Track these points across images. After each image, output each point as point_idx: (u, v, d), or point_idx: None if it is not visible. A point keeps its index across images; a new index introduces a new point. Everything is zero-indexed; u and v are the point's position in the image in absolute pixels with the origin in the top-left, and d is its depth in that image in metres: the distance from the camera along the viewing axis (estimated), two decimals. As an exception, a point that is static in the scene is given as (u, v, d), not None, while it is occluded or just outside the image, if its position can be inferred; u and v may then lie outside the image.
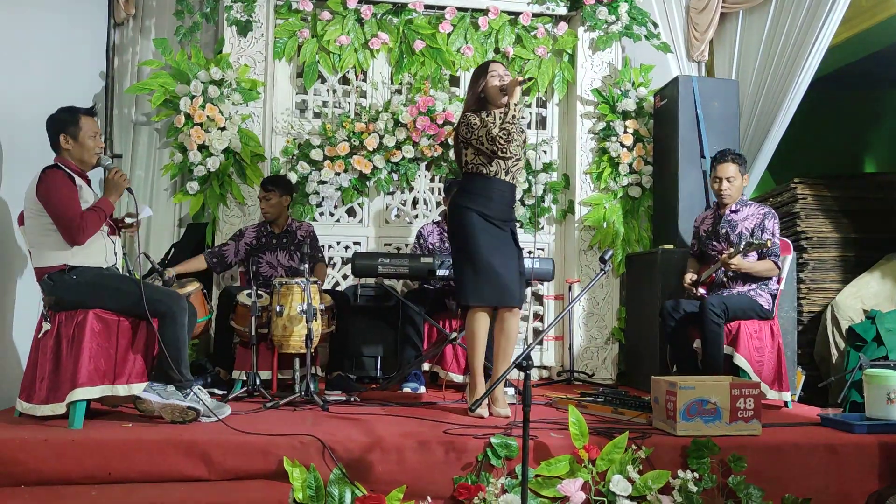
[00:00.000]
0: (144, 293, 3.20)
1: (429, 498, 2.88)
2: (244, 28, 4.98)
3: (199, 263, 4.45)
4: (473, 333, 3.61)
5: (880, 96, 6.82)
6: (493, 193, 3.59)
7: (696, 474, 2.94)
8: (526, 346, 3.01)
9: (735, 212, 4.16)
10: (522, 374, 2.59)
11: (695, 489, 2.90)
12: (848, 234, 5.80)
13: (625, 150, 5.23)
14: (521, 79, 3.51)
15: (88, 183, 3.45)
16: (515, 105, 3.49)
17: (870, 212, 5.85)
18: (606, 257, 3.25)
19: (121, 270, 3.54)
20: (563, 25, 5.39)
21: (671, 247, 4.77)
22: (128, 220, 3.58)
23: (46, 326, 3.24)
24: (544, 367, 5.39)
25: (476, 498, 2.85)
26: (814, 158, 6.56)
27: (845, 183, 5.91)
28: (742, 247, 3.87)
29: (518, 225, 4.56)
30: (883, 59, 5.48)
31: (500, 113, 3.59)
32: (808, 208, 5.83)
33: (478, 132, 3.53)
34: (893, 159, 6.84)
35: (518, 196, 5.09)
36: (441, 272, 4.35)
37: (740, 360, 3.92)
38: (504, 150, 3.48)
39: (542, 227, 5.42)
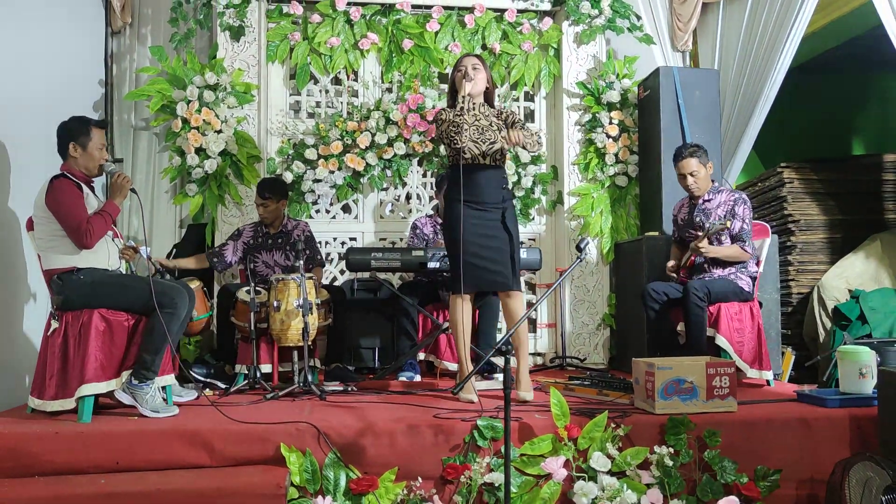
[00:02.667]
0: (153, 287, 3.37)
1: (419, 478, 3.04)
2: (237, 33, 5.13)
3: (200, 262, 4.61)
4: (453, 320, 3.78)
5: (865, 80, 6.93)
6: (475, 178, 3.70)
7: (672, 449, 3.10)
8: (505, 332, 3.15)
9: (708, 200, 4.28)
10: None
11: (671, 463, 3.05)
12: (835, 216, 5.94)
13: (611, 140, 5.37)
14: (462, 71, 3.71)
15: (92, 189, 3.61)
16: (463, 97, 3.66)
17: (856, 194, 5.98)
18: (582, 245, 3.38)
19: (124, 269, 3.71)
20: (548, 20, 5.52)
21: (656, 234, 4.91)
22: (129, 245, 3.76)
23: (55, 325, 3.41)
24: (538, 354, 5.54)
25: (463, 476, 3.02)
26: (802, 142, 6.68)
27: (831, 166, 6.03)
28: (708, 231, 4.01)
29: None
30: (863, 43, 5.59)
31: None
32: (794, 192, 5.96)
33: (442, 127, 3.73)
34: (879, 141, 6.95)
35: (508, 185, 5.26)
36: (432, 264, 4.49)
37: (721, 341, 4.06)
38: (454, 140, 3.65)
39: (533, 218, 5.57)
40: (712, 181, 4.32)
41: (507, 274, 3.71)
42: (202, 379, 4.26)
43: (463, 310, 3.74)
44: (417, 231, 4.93)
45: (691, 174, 4.23)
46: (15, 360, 3.87)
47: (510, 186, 5.36)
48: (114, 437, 3.04)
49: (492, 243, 3.71)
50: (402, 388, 4.16)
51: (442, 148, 5.26)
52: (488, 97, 3.84)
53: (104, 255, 3.53)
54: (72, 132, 3.51)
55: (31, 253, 3.68)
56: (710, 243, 4.10)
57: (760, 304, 4.29)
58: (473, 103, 3.75)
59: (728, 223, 3.98)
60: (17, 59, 3.99)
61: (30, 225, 3.58)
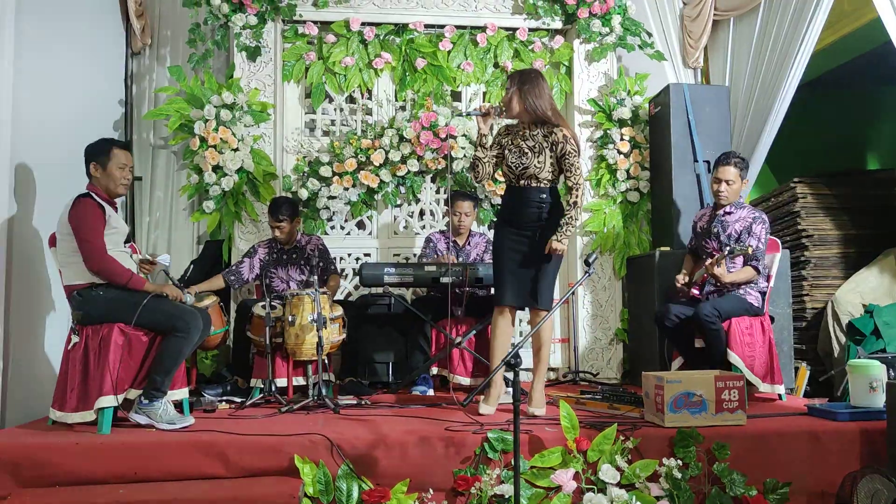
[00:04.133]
0: (165, 309, 3.45)
1: (430, 490, 3.09)
2: (253, 53, 5.25)
3: (217, 282, 4.69)
4: (492, 331, 3.89)
5: (878, 95, 6.94)
6: (509, 201, 3.91)
7: (681, 462, 3.12)
8: (513, 346, 3.20)
9: (729, 213, 4.30)
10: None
11: (680, 476, 3.08)
12: (848, 230, 5.93)
13: (622, 156, 5.42)
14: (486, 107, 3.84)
15: (116, 209, 3.71)
16: (484, 135, 3.85)
17: (870, 208, 5.97)
18: (591, 260, 3.42)
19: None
20: (559, 39, 5.59)
21: (668, 248, 4.94)
22: (147, 258, 3.84)
23: (75, 339, 3.50)
24: (551, 369, 5.56)
25: (473, 488, 3.07)
26: (815, 157, 6.69)
27: (844, 180, 6.04)
28: (726, 255, 4.03)
29: None
30: (874, 59, 5.62)
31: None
32: (808, 207, 5.97)
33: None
34: (893, 156, 6.95)
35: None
36: (444, 280, 4.55)
37: (733, 357, 4.06)
38: (477, 174, 3.87)
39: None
40: (739, 197, 4.34)
41: (530, 292, 3.79)
42: (216, 398, 4.29)
43: (498, 324, 3.84)
44: (431, 245, 5.00)
45: (727, 181, 4.24)
46: (37, 373, 3.96)
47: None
48: (132, 449, 3.12)
49: (523, 263, 3.80)
50: (415, 402, 4.20)
51: (454, 165, 5.35)
52: (534, 115, 3.79)
53: (123, 272, 3.62)
54: (93, 153, 3.63)
55: (54, 269, 3.78)
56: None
57: (772, 318, 4.30)
58: (522, 123, 3.84)
59: (749, 249, 4.00)
60: (43, 81, 4.10)
61: (52, 241, 3.68)
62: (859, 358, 4.63)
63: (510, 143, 3.85)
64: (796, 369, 5.15)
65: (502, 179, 4.15)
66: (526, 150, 3.78)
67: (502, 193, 4.11)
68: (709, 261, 4.11)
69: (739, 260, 4.18)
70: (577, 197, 3.74)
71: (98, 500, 2.89)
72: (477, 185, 4.65)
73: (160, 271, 3.92)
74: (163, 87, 5.37)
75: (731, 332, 4.09)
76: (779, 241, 4.49)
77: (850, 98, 6.91)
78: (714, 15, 5.63)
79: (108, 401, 3.36)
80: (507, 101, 3.79)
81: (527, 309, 4.00)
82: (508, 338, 3.88)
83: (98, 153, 3.62)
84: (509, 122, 3.97)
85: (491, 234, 5.01)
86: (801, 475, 3.21)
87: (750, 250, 4.00)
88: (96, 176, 3.62)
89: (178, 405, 3.62)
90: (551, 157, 3.75)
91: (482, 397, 3.83)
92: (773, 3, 5.11)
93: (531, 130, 3.81)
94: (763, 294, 4.23)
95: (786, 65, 4.93)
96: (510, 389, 4.41)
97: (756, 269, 4.14)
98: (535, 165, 3.75)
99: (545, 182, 3.80)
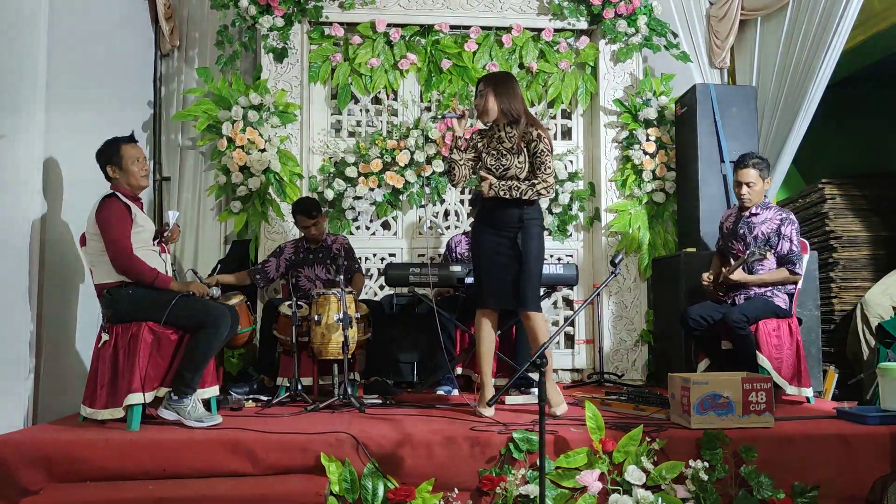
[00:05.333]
0: (194, 307, 3.49)
1: (455, 489, 3.10)
2: (280, 55, 5.29)
3: (242, 279, 4.74)
4: (476, 334, 3.89)
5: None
6: (488, 203, 3.82)
7: (707, 464, 3.10)
8: (540, 346, 3.20)
9: (755, 214, 4.26)
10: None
11: (706, 478, 3.06)
12: (878, 232, 5.85)
13: (647, 157, 5.39)
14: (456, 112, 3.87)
15: (141, 207, 3.76)
16: (459, 137, 3.85)
17: (899, 209, 5.89)
18: (616, 261, 3.40)
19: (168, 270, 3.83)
20: (585, 39, 5.58)
21: (694, 250, 4.91)
22: (167, 230, 3.89)
23: (105, 337, 3.55)
24: (576, 370, 5.56)
25: (498, 488, 3.07)
26: (844, 158, 6.60)
27: (874, 181, 5.95)
28: (745, 260, 4.00)
29: (546, 233, 4.73)
30: (906, 58, 5.55)
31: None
32: (836, 208, 5.90)
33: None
34: (924, 157, 6.84)
35: (545, 205, 5.33)
36: (469, 280, 4.56)
37: (761, 359, 4.03)
38: (453, 177, 3.86)
39: (570, 235, 5.60)
40: (765, 196, 4.31)
41: (512, 294, 3.75)
42: (243, 397, 4.31)
43: (482, 327, 3.84)
44: (449, 251, 5.01)
45: (747, 184, 4.21)
46: (69, 371, 4.02)
47: (548, 204, 5.42)
48: (161, 445, 3.15)
49: (504, 265, 3.76)
50: (441, 402, 4.21)
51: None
52: (510, 117, 3.77)
53: (151, 271, 3.67)
54: (105, 156, 3.68)
55: (85, 268, 3.83)
56: (749, 271, 4.10)
57: (800, 320, 4.26)
58: (497, 126, 3.82)
59: (768, 254, 3.97)
60: (73, 81, 4.17)
61: (83, 241, 3.74)
62: (889, 361, 4.57)
63: (486, 145, 3.82)
64: (824, 372, 5.09)
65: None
66: (504, 152, 3.76)
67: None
68: (724, 269, 4.09)
69: (768, 265, 4.13)
70: (540, 186, 3.68)
71: (128, 496, 2.93)
72: (453, 187, 4.62)
73: (188, 270, 3.97)
74: (191, 89, 5.43)
75: (759, 333, 4.06)
76: (807, 243, 4.45)
77: (880, 98, 6.80)
78: (741, 14, 5.59)
79: (137, 398, 3.41)
80: (482, 103, 3.76)
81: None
82: (492, 341, 3.89)
83: (109, 155, 3.67)
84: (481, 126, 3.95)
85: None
86: (829, 479, 3.17)
87: (769, 255, 3.97)
88: (115, 177, 3.68)
89: (206, 403, 3.66)
90: (529, 156, 3.74)
91: (476, 401, 3.86)
92: (801, 3, 5.06)
93: (507, 132, 3.79)
94: (791, 296, 4.19)
95: (814, 64, 4.88)
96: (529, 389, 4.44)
97: (794, 272, 4.09)
98: (515, 166, 3.73)
99: (525, 183, 3.76)
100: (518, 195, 3.67)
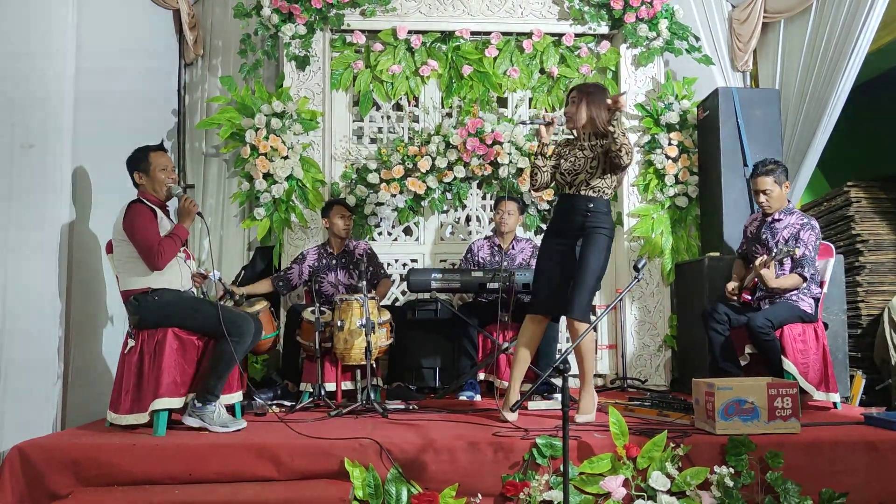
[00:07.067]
0: (221, 315, 3.52)
1: (479, 495, 3.10)
2: (302, 62, 5.34)
3: (265, 286, 4.78)
4: (518, 338, 3.87)
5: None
6: (557, 209, 3.90)
7: (733, 470, 3.08)
8: (562, 352, 3.19)
9: (778, 220, 4.23)
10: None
11: (732, 484, 3.04)
12: (905, 235, 5.79)
13: (670, 161, 5.37)
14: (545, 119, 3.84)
15: (167, 213, 3.81)
16: (545, 144, 3.81)
17: (927, 212, 5.82)
18: (639, 266, 3.39)
19: (195, 293, 3.88)
20: (606, 44, 5.58)
21: (717, 254, 4.87)
22: (199, 272, 3.94)
23: (131, 343, 3.59)
24: (599, 376, 5.53)
25: (522, 494, 3.06)
26: (870, 160, 6.53)
27: (900, 184, 5.90)
28: (775, 256, 3.97)
29: None
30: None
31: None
32: (862, 211, 5.85)
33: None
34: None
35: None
36: (491, 285, 4.55)
37: (787, 364, 3.98)
38: (535, 182, 3.84)
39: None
40: (788, 201, 4.27)
41: (562, 302, 3.72)
42: (267, 402, 4.33)
43: (525, 331, 3.82)
44: (470, 256, 5.02)
45: (764, 192, 4.19)
46: (96, 377, 4.07)
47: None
48: (186, 450, 3.18)
49: (560, 272, 3.75)
50: (464, 408, 4.21)
51: (500, 171, 5.37)
52: (597, 126, 3.74)
53: (177, 277, 3.71)
54: (133, 163, 3.75)
55: (111, 275, 3.89)
56: (780, 264, 4.06)
57: (826, 325, 4.22)
58: (583, 134, 3.84)
59: (797, 250, 3.94)
60: (99, 90, 4.23)
61: (109, 248, 3.79)
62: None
63: (568, 152, 3.85)
64: (851, 377, 5.03)
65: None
66: (581, 158, 3.77)
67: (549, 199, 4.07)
68: (758, 259, 4.03)
69: (788, 266, 4.10)
70: (621, 142, 3.59)
71: (154, 500, 2.96)
72: (534, 193, 4.65)
73: (215, 282, 4.03)
74: (215, 97, 5.49)
75: (784, 338, 4.02)
76: (832, 247, 4.41)
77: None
78: (764, 17, 5.56)
79: (163, 403, 3.44)
80: (573, 112, 3.78)
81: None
82: (533, 348, 3.86)
83: (138, 162, 3.73)
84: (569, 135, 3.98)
85: (537, 241, 5.03)
86: (858, 486, 3.13)
87: (797, 252, 3.92)
88: (142, 184, 3.73)
89: (230, 409, 3.69)
90: (605, 164, 3.71)
91: (502, 404, 3.82)
92: (825, 4, 5.03)
93: (590, 141, 3.81)
94: (816, 300, 4.15)
95: (839, 67, 4.84)
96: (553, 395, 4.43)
97: (802, 276, 4.06)
98: (587, 171, 3.72)
99: (594, 191, 3.73)
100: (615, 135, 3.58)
